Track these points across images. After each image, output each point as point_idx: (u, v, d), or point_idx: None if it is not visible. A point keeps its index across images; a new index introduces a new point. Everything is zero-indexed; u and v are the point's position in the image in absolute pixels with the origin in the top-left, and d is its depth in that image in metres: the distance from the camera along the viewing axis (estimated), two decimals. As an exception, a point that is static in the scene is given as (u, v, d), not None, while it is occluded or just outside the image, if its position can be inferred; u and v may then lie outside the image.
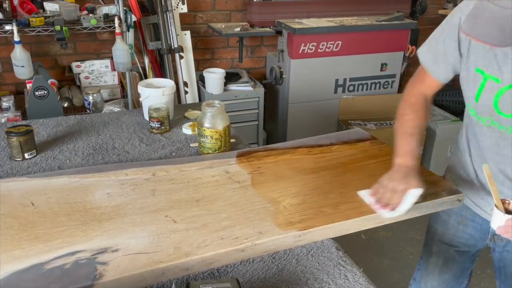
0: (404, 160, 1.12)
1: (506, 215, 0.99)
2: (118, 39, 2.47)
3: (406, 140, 1.15)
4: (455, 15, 1.10)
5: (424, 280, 1.46)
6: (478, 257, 1.41)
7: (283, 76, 3.02)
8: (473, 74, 1.08)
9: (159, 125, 1.61)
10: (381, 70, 3.16)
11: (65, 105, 2.59)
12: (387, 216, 1.06)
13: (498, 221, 1.00)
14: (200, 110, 1.44)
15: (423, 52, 1.19)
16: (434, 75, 1.18)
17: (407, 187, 1.06)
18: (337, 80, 3.09)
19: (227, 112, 1.45)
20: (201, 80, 3.03)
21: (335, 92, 3.12)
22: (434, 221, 1.40)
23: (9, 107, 2.59)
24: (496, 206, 1.00)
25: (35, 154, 1.44)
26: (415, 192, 1.06)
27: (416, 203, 1.08)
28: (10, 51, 2.32)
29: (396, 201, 1.06)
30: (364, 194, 1.13)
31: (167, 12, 2.77)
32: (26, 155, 1.41)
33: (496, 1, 0.84)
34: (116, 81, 2.88)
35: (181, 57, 2.87)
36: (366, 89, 3.19)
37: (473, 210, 1.27)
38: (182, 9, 2.91)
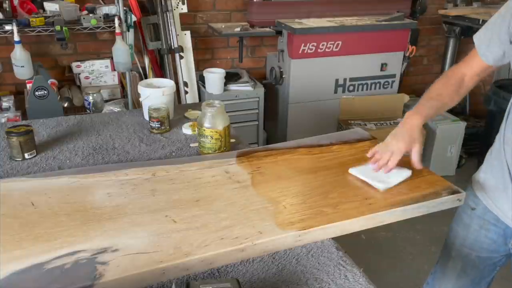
0: (413, 115, 1.21)
1: None
2: (118, 39, 2.47)
3: (424, 100, 1.23)
4: None
5: (439, 283, 1.43)
6: (499, 268, 1.36)
7: (283, 76, 3.02)
8: None
9: (159, 125, 1.61)
10: (381, 70, 3.16)
11: (65, 105, 2.59)
12: (379, 188, 1.16)
13: None
14: (200, 110, 1.44)
15: (479, 36, 1.21)
16: (482, 55, 1.19)
17: (406, 147, 1.18)
18: (337, 80, 3.09)
19: (227, 112, 1.45)
20: (201, 80, 3.03)
21: (335, 92, 3.12)
22: (456, 224, 1.38)
23: (9, 107, 2.59)
24: None
25: (35, 154, 1.44)
26: (405, 174, 1.20)
27: (416, 203, 1.10)
28: (10, 51, 2.32)
29: (392, 164, 1.18)
30: (356, 171, 1.23)
31: (167, 12, 2.77)
32: (26, 155, 1.41)
33: None
34: (116, 81, 2.88)
35: (181, 57, 2.87)
36: (366, 89, 3.19)
37: (496, 214, 1.25)
38: (182, 9, 2.91)
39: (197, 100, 3.02)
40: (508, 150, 1.18)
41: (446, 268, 1.41)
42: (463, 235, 1.35)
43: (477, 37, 1.22)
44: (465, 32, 3.45)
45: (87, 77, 2.81)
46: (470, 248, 1.34)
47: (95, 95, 2.50)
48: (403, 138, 1.19)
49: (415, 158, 1.20)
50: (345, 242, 1.08)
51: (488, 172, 1.27)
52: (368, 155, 1.25)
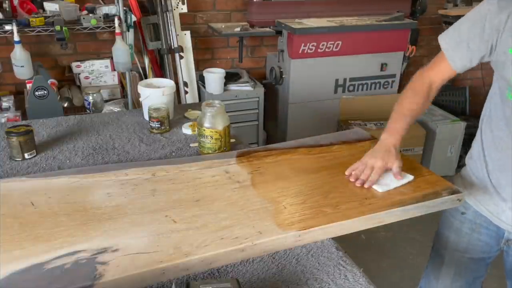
0: (388, 137, 1.21)
1: None
2: (118, 39, 2.47)
3: (396, 119, 1.23)
4: (484, 5, 1.10)
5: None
6: (490, 265, 1.38)
7: (283, 76, 3.02)
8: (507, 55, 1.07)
9: (159, 125, 1.61)
10: (381, 70, 3.16)
11: (65, 105, 2.59)
12: (377, 189, 1.15)
13: None
14: (200, 110, 1.44)
15: (443, 38, 1.19)
16: (450, 60, 1.18)
17: (385, 164, 1.17)
18: (337, 80, 3.09)
19: (227, 112, 1.45)
20: (201, 80, 3.03)
21: (335, 92, 3.12)
22: (446, 228, 1.37)
23: (9, 107, 2.59)
24: None
25: (35, 154, 1.44)
26: (407, 179, 1.19)
27: (416, 203, 1.10)
28: (10, 51, 2.32)
29: (374, 177, 1.16)
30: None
31: (167, 12, 2.77)
32: (26, 155, 1.41)
33: None
34: (116, 81, 2.88)
35: (181, 57, 2.87)
36: (366, 89, 3.19)
37: (487, 217, 1.26)
38: (182, 9, 2.91)
39: (197, 100, 3.02)
40: (486, 152, 1.21)
41: (440, 273, 1.40)
42: (454, 240, 1.34)
43: (444, 41, 1.19)
44: (465, 32, 3.45)
45: (87, 77, 2.81)
46: (463, 252, 1.34)
47: (95, 95, 2.50)
48: (381, 157, 1.18)
49: (396, 172, 1.18)
50: (345, 242, 1.08)
51: (473, 175, 1.28)
52: (346, 173, 1.21)
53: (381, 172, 1.17)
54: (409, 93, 1.24)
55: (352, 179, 1.19)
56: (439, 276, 1.40)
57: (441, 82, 1.23)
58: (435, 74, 1.22)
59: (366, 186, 1.15)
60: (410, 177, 1.19)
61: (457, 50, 1.15)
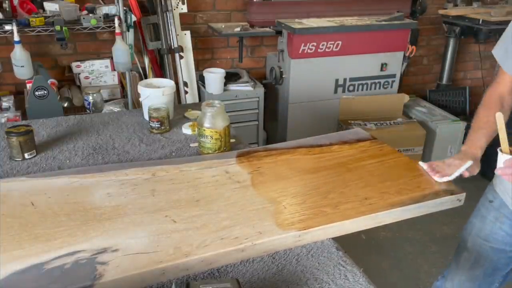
0: (467, 148, 1.26)
1: (505, 155, 1.08)
2: (118, 39, 2.47)
3: (475, 132, 1.29)
4: None
5: (452, 274, 1.47)
6: None
7: (283, 76, 3.02)
8: None
9: (159, 125, 1.61)
10: (381, 70, 3.16)
11: (65, 105, 2.59)
12: (438, 180, 1.19)
13: (499, 164, 1.10)
14: (200, 110, 1.44)
15: (495, 50, 1.27)
16: (506, 69, 1.24)
17: (461, 162, 1.21)
18: (337, 80, 3.09)
19: (227, 112, 1.45)
20: (201, 80, 3.03)
21: (335, 92, 3.12)
22: (474, 216, 1.42)
23: (9, 107, 2.59)
24: (501, 151, 1.09)
25: (35, 154, 1.44)
26: (466, 164, 1.20)
27: (416, 203, 1.10)
28: (10, 51, 2.32)
29: (449, 171, 1.20)
30: (423, 165, 1.27)
31: (167, 12, 2.77)
32: (26, 155, 1.41)
33: None
34: (116, 81, 2.88)
35: (181, 57, 2.87)
36: (366, 89, 3.19)
37: (511, 208, 1.29)
38: (182, 9, 2.91)
39: (197, 100, 3.02)
40: None
41: (460, 258, 1.44)
42: (479, 226, 1.38)
43: (496, 53, 1.26)
44: (465, 32, 3.45)
45: (87, 77, 2.81)
46: (485, 239, 1.37)
47: (95, 95, 2.50)
48: (459, 156, 1.24)
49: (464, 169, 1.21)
50: (345, 242, 1.08)
51: None
52: (425, 166, 1.27)
53: (456, 169, 1.20)
54: (481, 110, 1.31)
55: (429, 170, 1.23)
56: (459, 262, 1.44)
57: (509, 92, 1.28)
58: (501, 87, 1.28)
59: (438, 176, 1.20)
60: (469, 162, 1.21)
61: (508, 58, 1.22)
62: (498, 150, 1.11)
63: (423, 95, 3.72)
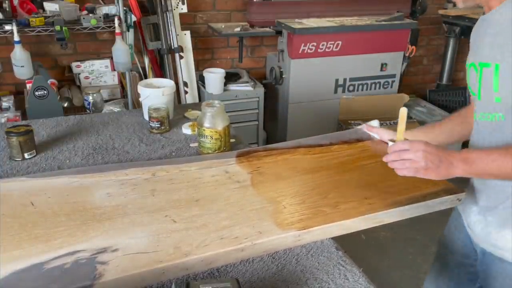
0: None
1: (390, 142, 1.06)
2: (118, 39, 2.47)
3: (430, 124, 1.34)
4: None
5: (433, 283, 1.42)
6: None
7: (283, 76, 3.02)
8: None
9: (159, 125, 1.61)
10: (381, 70, 3.16)
11: (65, 105, 2.59)
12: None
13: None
14: (200, 110, 1.44)
15: None
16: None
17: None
18: (337, 80, 3.09)
19: (227, 112, 1.45)
20: (201, 80, 3.03)
21: (335, 92, 3.12)
22: (447, 225, 1.37)
23: (9, 107, 2.59)
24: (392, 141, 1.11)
25: (35, 154, 1.44)
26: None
27: (415, 203, 1.10)
28: (10, 51, 2.32)
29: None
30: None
31: (167, 12, 2.77)
32: (26, 155, 1.41)
33: None
34: (116, 81, 2.88)
35: (181, 57, 2.87)
36: (366, 89, 3.19)
37: (459, 211, 1.26)
38: (182, 9, 2.91)
39: (197, 100, 3.02)
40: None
41: (433, 269, 1.41)
42: (445, 235, 1.35)
43: None
44: (465, 32, 3.45)
45: (87, 77, 2.81)
46: (450, 249, 1.31)
47: (95, 95, 2.50)
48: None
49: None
50: (345, 242, 1.08)
51: None
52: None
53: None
54: (452, 115, 1.32)
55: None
56: (432, 273, 1.41)
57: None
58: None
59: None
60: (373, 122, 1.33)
61: None
62: (388, 141, 1.13)
63: (423, 95, 3.72)
